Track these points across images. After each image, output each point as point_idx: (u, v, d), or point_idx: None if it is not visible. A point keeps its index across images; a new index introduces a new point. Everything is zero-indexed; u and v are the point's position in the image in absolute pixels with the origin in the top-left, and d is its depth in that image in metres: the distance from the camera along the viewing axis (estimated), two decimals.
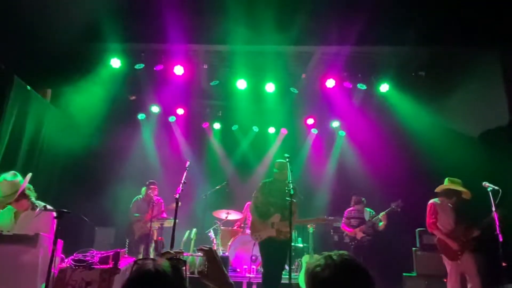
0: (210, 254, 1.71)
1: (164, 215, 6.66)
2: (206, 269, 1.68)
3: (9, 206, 3.41)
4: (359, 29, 5.47)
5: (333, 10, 5.37)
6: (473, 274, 4.52)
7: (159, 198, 6.76)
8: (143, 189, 6.90)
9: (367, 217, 6.22)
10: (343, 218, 6.43)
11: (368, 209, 6.33)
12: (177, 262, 1.51)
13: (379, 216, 6.01)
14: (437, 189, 5.00)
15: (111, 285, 2.97)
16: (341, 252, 1.45)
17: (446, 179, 4.97)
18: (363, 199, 6.44)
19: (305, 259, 6.22)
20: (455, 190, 4.85)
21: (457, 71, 6.34)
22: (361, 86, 6.92)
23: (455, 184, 4.88)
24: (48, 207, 3.22)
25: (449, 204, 4.92)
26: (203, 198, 7.53)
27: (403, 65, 6.44)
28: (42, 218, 3.21)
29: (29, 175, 3.52)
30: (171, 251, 1.78)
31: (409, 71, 6.62)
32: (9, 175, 3.41)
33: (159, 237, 6.59)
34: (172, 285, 1.40)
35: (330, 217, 5.31)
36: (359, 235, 6.07)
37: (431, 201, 5.02)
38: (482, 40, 5.63)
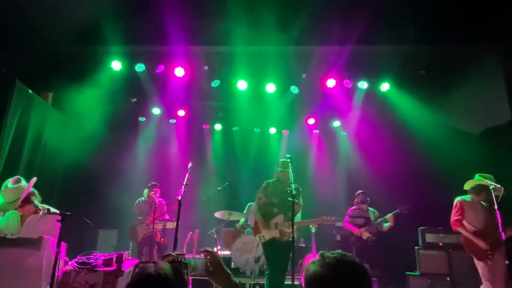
0: (213, 256, 1.74)
1: (166, 216, 6.66)
2: (211, 269, 1.71)
3: (15, 211, 3.43)
4: (360, 28, 5.48)
5: (333, 10, 5.37)
6: (502, 275, 4.27)
7: (161, 199, 6.77)
8: (146, 191, 6.91)
9: (371, 217, 6.18)
10: (346, 216, 6.38)
11: (371, 209, 6.30)
12: (178, 265, 1.52)
13: (386, 218, 5.97)
14: (466, 186, 4.72)
15: (114, 287, 2.98)
16: (337, 251, 1.46)
17: (477, 175, 4.67)
18: (367, 198, 6.41)
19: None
20: (484, 186, 4.50)
21: (458, 69, 6.35)
22: (362, 86, 6.93)
23: (485, 179, 4.54)
24: (52, 210, 3.22)
25: (481, 202, 4.60)
26: (205, 199, 7.54)
27: (404, 64, 6.44)
28: (48, 222, 3.22)
29: (34, 179, 3.51)
30: (173, 253, 1.79)
31: (409, 70, 6.61)
32: (11, 182, 3.40)
33: (162, 239, 6.60)
34: None
35: (329, 217, 5.27)
36: (365, 235, 6.00)
37: (458, 198, 4.73)
38: (483, 38, 5.63)
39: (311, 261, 1.45)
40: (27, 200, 3.37)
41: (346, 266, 1.39)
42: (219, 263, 1.72)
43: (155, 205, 6.37)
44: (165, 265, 1.44)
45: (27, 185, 3.44)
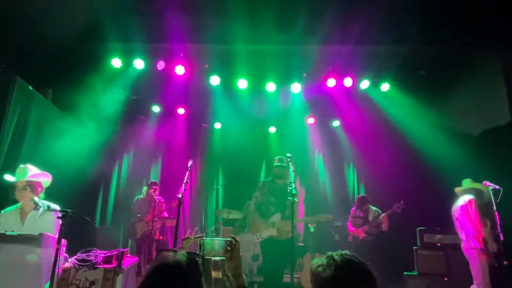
0: (238, 244, 1.94)
1: (165, 214, 6.67)
2: (232, 253, 1.90)
3: (16, 206, 3.44)
4: (360, 28, 5.49)
5: (334, 9, 5.37)
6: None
7: (160, 197, 6.77)
8: (144, 188, 6.92)
9: (371, 217, 6.21)
10: (350, 217, 6.46)
11: (373, 208, 6.32)
12: (195, 255, 1.64)
13: (380, 218, 6.02)
14: (463, 188, 4.83)
15: (114, 284, 2.99)
16: (343, 252, 1.48)
17: (469, 180, 4.82)
18: (367, 197, 6.44)
19: (306, 258, 6.24)
20: (481, 190, 4.67)
21: (458, 70, 6.36)
22: (362, 85, 6.94)
23: (477, 184, 4.72)
24: (52, 207, 3.22)
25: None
26: (204, 197, 7.54)
27: (404, 65, 6.45)
28: (49, 218, 3.22)
29: (47, 175, 3.56)
30: (191, 237, 1.92)
31: (409, 71, 6.63)
32: (31, 165, 3.52)
33: (161, 237, 6.60)
34: (188, 277, 1.52)
35: (326, 215, 5.29)
36: (362, 234, 6.07)
37: (471, 197, 4.65)
38: (483, 39, 5.64)
39: (318, 262, 1.46)
40: (31, 186, 3.39)
41: (354, 267, 1.41)
42: (239, 253, 1.92)
43: (154, 203, 6.38)
44: (182, 255, 1.57)
45: (41, 172, 3.52)
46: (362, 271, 1.42)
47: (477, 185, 4.71)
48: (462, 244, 4.70)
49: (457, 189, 4.93)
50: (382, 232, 6.08)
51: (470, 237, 4.52)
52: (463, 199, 4.71)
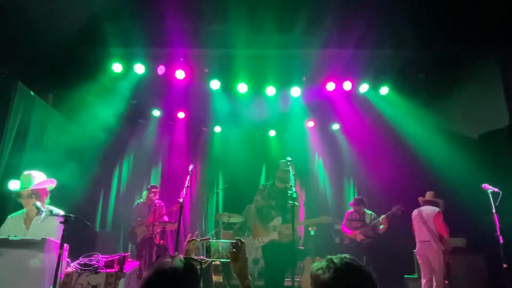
0: (244, 246, 1.92)
1: (165, 218, 6.67)
2: (238, 255, 1.88)
3: (22, 211, 3.44)
4: (359, 32, 5.52)
5: (333, 13, 5.41)
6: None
7: (160, 201, 6.77)
8: (144, 193, 6.93)
9: (367, 220, 6.22)
10: (344, 220, 6.45)
11: (368, 212, 6.34)
12: (193, 261, 1.63)
13: (380, 219, 6.02)
14: (427, 199, 5.62)
15: None
16: (343, 255, 1.49)
17: (432, 192, 5.63)
18: (363, 199, 6.46)
19: (307, 262, 6.24)
20: (438, 203, 5.58)
21: (457, 73, 6.40)
22: (361, 89, 6.97)
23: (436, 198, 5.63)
24: (55, 211, 3.23)
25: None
26: (204, 201, 7.55)
27: (403, 68, 6.49)
28: (54, 223, 3.22)
29: (52, 181, 3.55)
30: (197, 239, 1.93)
31: (409, 74, 6.66)
32: (36, 171, 3.48)
33: (161, 241, 6.59)
34: (186, 284, 1.51)
35: (325, 216, 5.29)
36: (359, 237, 6.07)
37: (439, 209, 5.39)
38: (481, 42, 5.68)
39: (318, 265, 1.48)
40: (36, 194, 3.37)
41: (354, 270, 1.42)
42: (245, 254, 1.90)
43: (154, 207, 6.38)
44: (179, 261, 1.55)
45: (45, 180, 3.49)
46: (361, 274, 1.43)
47: (436, 199, 5.59)
48: (427, 246, 5.32)
49: (421, 199, 5.67)
50: (379, 235, 6.09)
51: (437, 241, 5.27)
52: (432, 209, 5.43)
